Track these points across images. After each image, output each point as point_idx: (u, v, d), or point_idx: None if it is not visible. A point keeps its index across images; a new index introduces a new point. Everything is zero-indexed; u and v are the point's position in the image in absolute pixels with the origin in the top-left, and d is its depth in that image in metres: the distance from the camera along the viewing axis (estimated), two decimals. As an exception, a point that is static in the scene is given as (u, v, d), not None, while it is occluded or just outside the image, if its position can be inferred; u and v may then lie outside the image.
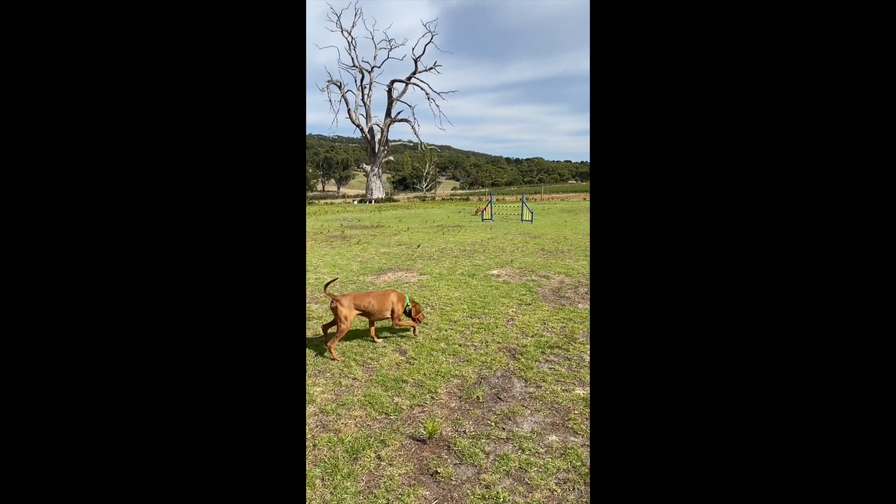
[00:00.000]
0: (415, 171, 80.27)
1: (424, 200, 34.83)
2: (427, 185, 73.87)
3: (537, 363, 3.14)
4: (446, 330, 3.88)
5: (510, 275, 6.20)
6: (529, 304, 4.65)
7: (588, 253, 7.84)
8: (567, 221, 14.26)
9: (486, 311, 4.44)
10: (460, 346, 3.50)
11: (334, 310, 3.26)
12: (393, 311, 3.50)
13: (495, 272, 6.38)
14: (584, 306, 4.58)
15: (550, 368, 3.05)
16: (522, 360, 3.19)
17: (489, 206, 15.65)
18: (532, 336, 3.70)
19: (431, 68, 35.23)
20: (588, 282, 5.68)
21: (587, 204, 24.99)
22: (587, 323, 4.00)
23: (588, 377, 2.89)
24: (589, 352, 3.33)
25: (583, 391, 2.70)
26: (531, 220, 14.28)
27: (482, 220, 15.37)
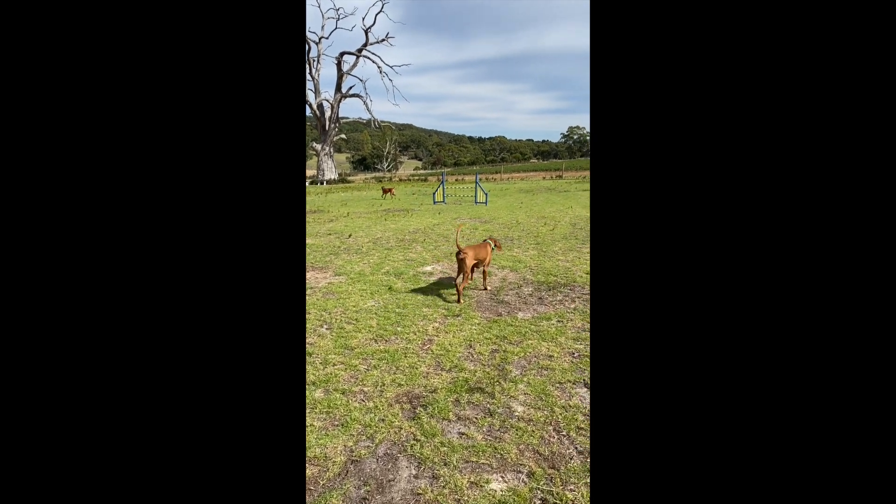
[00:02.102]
0: (375, 150, 77.58)
1: (381, 181, 33.17)
2: (388, 165, 71.48)
3: (445, 423, 2.15)
4: (335, 364, 2.83)
5: (446, 271, 5.19)
6: (458, 316, 3.66)
7: (538, 241, 6.96)
8: (523, 203, 13.42)
9: (400, 328, 3.42)
10: (344, 393, 2.46)
11: (462, 260, 3.96)
12: (487, 260, 4.35)
13: (429, 268, 5.35)
14: (525, 315, 3.65)
15: (461, 434, 2.07)
16: (425, 418, 2.20)
17: (440, 187, 14.54)
18: (449, 369, 2.71)
19: (383, 40, 33.03)
20: (534, 279, 4.76)
21: (546, 183, 24.39)
22: (525, 343, 3.06)
23: (513, 452, 1.93)
24: (520, 398, 2.38)
25: (501, 484, 1.74)
26: (485, 203, 13.34)
27: (434, 202, 14.27)
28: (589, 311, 3.68)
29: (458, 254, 4.02)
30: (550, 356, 2.87)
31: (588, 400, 2.34)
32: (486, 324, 3.47)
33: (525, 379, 2.57)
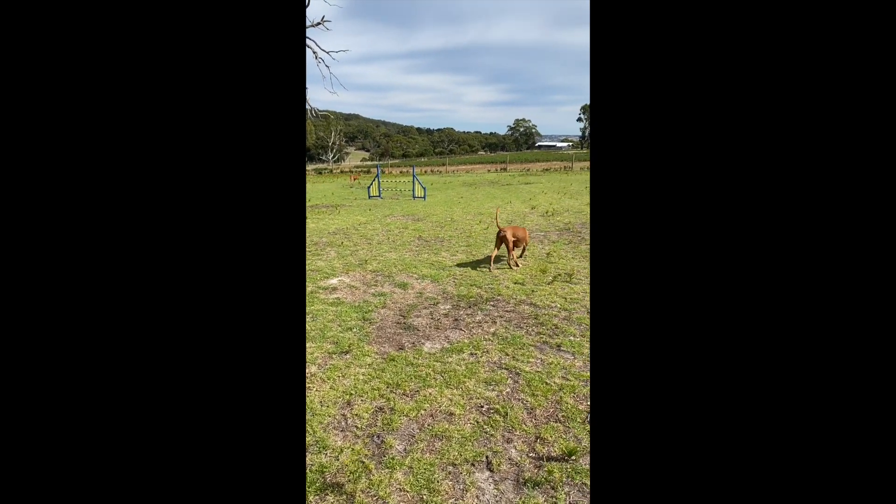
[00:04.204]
0: (319, 140, 74.21)
1: (321, 174, 31.38)
2: (333, 157, 68.55)
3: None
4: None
5: (354, 285, 4.39)
6: (347, 353, 2.88)
7: (469, 243, 6.32)
8: (463, 197, 12.81)
9: (263, 377, 2.58)
10: None
11: (503, 238, 4.79)
12: (525, 241, 5.01)
13: (334, 282, 4.51)
14: (433, 347, 2.94)
15: None
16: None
17: (375, 180, 13.59)
18: (307, 450, 1.94)
19: (319, 24, 31.02)
20: (455, 292, 4.09)
21: (490, 176, 24.05)
22: (422, 394, 2.35)
23: None
24: (392, 499, 1.66)
25: None
26: (424, 197, 12.58)
27: (368, 197, 13.31)
28: (509, 336, 3.05)
29: (498, 232, 4.82)
30: (451, 414, 2.18)
31: (489, 492, 1.67)
32: (381, 364, 2.72)
33: (408, 460, 1.85)
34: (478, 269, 4.85)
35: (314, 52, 32.36)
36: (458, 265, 5.03)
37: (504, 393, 2.38)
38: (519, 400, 2.31)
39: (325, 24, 32.89)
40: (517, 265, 4.85)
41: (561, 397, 2.31)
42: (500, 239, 4.81)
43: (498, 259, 5.16)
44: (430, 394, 2.37)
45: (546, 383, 2.46)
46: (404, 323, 3.38)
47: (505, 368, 2.64)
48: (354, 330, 3.24)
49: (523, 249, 5.16)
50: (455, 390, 2.40)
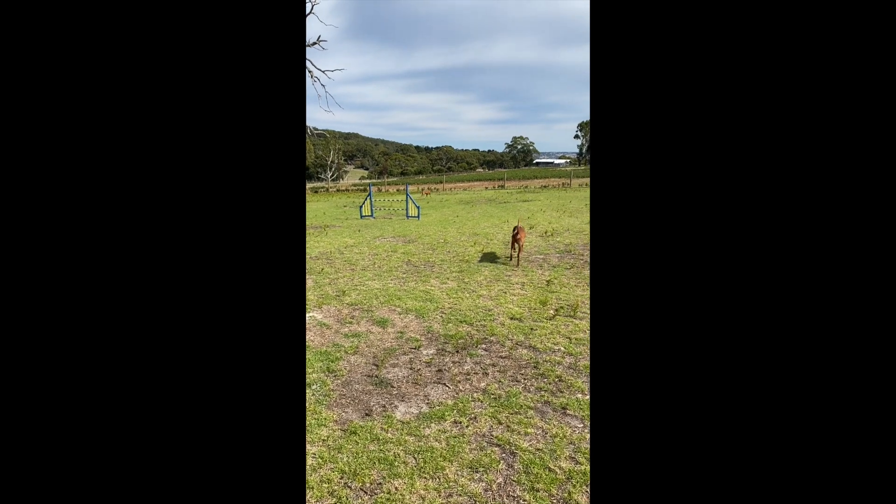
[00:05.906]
0: (318, 159, 74.45)
1: (317, 192, 31.05)
2: (332, 175, 68.55)
3: None
4: None
5: (326, 322, 3.82)
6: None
7: (462, 267, 5.76)
8: (459, 216, 12.32)
9: (184, 461, 2.00)
10: None
11: (520, 239, 5.66)
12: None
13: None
14: (408, 411, 2.37)
15: None
16: None
17: (367, 199, 13.11)
18: None
19: (315, 44, 31.21)
20: (442, 330, 3.52)
21: (488, 193, 23.67)
22: (384, 490, 1.77)
23: None
24: None
25: None
26: (418, 217, 12.08)
27: (360, 217, 12.82)
28: (503, 395, 2.48)
29: (517, 234, 5.63)
30: (421, 525, 1.60)
31: None
32: (339, 439, 2.14)
33: None
34: (470, 299, 4.30)
35: (310, 72, 32.53)
36: (448, 295, 4.48)
37: (494, 485, 1.80)
38: (513, 497, 1.73)
39: (320, 43, 33.12)
40: (517, 264, 5.65)
41: (569, 492, 1.74)
42: (520, 241, 5.62)
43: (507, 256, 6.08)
44: (396, 488, 1.79)
45: (549, 469, 1.88)
46: (376, 376, 2.81)
47: (497, 445, 2.06)
48: (315, 386, 2.67)
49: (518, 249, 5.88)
50: (430, 481, 1.83)
